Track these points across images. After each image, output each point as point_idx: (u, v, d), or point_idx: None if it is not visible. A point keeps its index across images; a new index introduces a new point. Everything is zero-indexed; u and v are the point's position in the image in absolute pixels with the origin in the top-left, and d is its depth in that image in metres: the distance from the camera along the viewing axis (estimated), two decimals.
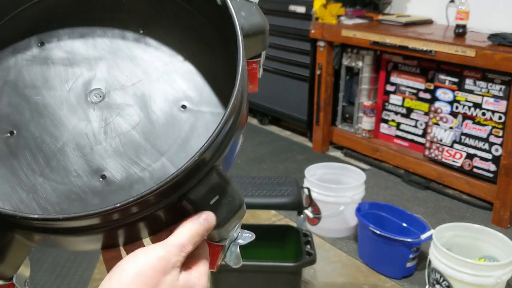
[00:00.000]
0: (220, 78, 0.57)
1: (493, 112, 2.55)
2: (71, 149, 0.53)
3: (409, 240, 2.01)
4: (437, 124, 2.81)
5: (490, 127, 2.58)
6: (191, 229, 0.45)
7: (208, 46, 0.58)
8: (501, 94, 2.50)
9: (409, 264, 2.08)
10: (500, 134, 2.53)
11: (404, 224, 2.18)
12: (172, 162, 0.53)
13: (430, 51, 2.64)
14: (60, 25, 0.59)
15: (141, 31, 0.59)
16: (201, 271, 0.46)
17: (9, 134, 0.54)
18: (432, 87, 2.83)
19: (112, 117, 0.55)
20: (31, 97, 0.56)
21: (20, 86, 0.56)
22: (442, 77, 2.75)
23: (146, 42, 0.59)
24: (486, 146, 2.61)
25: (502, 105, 2.50)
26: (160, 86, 0.56)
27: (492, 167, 2.59)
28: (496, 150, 2.56)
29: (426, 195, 2.81)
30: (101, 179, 0.52)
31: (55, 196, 0.52)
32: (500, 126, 2.52)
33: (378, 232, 2.04)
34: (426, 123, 2.90)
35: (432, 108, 2.82)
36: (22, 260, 0.48)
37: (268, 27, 0.57)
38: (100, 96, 0.56)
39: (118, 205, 0.42)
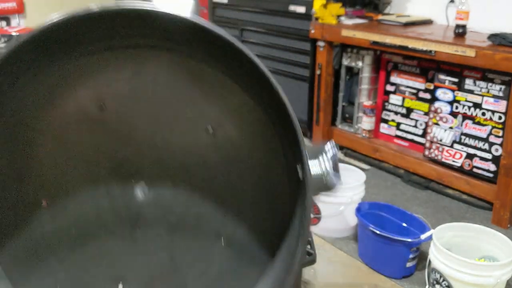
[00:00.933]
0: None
1: (493, 112, 2.55)
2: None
3: (409, 240, 2.01)
4: (437, 124, 2.81)
5: (490, 127, 2.58)
6: None
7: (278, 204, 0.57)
8: (501, 94, 2.50)
9: (409, 264, 2.08)
10: (500, 134, 2.53)
11: (404, 224, 2.18)
12: None
13: (430, 51, 2.63)
14: None
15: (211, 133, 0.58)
16: None
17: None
18: (432, 87, 2.83)
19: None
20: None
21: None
22: (442, 77, 2.74)
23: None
24: (486, 146, 2.61)
25: (502, 105, 2.50)
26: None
27: (492, 167, 2.59)
28: (496, 150, 2.56)
29: (426, 195, 2.81)
30: None
31: None
32: (500, 126, 2.52)
33: (378, 232, 2.04)
34: (426, 123, 2.90)
35: (432, 108, 2.82)
36: None
37: (334, 186, 0.56)
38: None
39: None
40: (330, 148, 0.52)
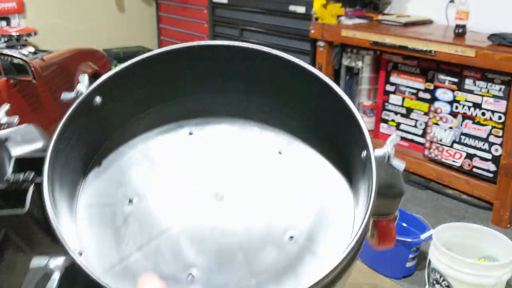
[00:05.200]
0: (340, 220, 0.56)
1: (493, 112, 2.55)
2: (174, 237, 0.55)
3: (409, 240, 2.01)
4: (437, 124, 2.81)
5: (490, 127, 2.58)
6: None
7: (335, 185, 0.57)
8: (501, 94, 2.50)
9: (409, 264, 2.08)
10: (500, 134, 2.53)
11: (404, 224, 2.18)
12: None
13: (430, 51, 2.64)
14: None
15: (280, 153, 0.59)
16: None
17: (128, 201, 0.56)
18: (432, 87, 2.83)
19: (222, 220, 0.56)
20: (161, 176, 0.58)
21: (157, 164, 0.58)
22: (442, 77, 2.75)
23: (281, 169, 0.58)
24: (486, 146, 2.61)
25: (502, 105, 2.50)
26: (273, 205, 0.56)
27: (492, 167, 2.59)
28: (496, 150, 2.56)
29: (426, 195, 2.81)
30: (187, 277, 0.53)
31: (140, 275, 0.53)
32: (500, 126, 2.53)
33: None
34: (426, 123, 2.90)
35: (432, 108, 2.82)
36: None
37: (404, 193, 0.58)
38: (220, 197, 0.57)
39: None
40: (392, 138, 0.53)
